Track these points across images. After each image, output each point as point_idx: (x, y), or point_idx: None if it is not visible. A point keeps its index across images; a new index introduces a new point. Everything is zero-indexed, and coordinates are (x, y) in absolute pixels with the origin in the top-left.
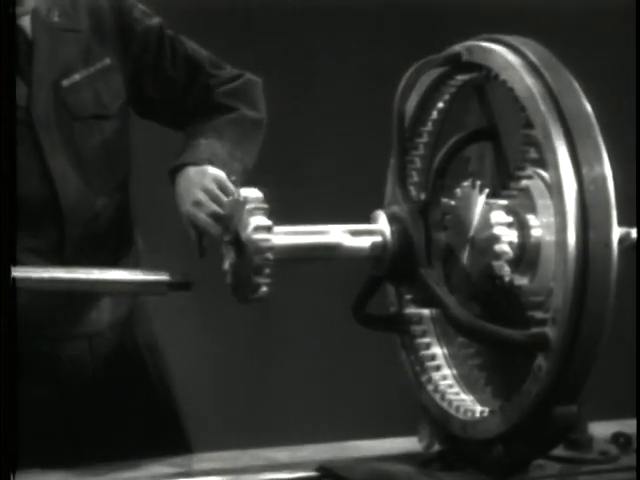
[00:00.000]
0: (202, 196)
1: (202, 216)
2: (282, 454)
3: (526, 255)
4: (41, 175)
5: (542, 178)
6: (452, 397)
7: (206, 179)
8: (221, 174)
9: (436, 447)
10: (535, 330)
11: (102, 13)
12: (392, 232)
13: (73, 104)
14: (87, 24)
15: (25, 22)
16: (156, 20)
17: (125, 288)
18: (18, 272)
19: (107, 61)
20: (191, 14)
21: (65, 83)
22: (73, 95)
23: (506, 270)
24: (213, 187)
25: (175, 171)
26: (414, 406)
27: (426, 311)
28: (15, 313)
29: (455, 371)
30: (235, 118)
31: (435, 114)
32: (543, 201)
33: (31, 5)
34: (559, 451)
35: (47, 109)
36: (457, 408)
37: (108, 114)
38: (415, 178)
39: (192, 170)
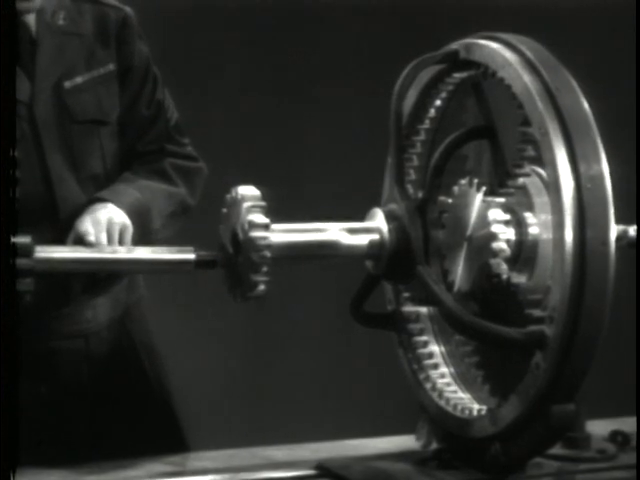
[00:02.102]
0: (100, 226)
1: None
2: (280, 452)
3: (523, 253)
4: (41, 174)
5: (539, 176)
6: (450, 395)
7: (117, 219)
8: (130, 228)
9: (434, 445)
10: (532, 328)
11: (107, 22)
12: (389, 230)
13: (73, 106)
14: (91, 30)
15: (30, 20)
16: (147, 50)
17: (151, 267)
18: (41, 252)
19: (111, 67)
20: (189, 10)
21: (67, 85)
22: (74, 97)
23: (503, 268)
24: (115, 230)
25: (98, 199)
26: (412, 404)
27: (423, 309)
28: (16, 315)
29: (453, 369)
30: (173, 193)
31: (432, 112)
32: (540, 199)
33: (38, 4)
34: (557, 449)
35: (48, 109)
36: (455, 406)
37: (107, 120)
38: (412, 176)
39: (112, 206)
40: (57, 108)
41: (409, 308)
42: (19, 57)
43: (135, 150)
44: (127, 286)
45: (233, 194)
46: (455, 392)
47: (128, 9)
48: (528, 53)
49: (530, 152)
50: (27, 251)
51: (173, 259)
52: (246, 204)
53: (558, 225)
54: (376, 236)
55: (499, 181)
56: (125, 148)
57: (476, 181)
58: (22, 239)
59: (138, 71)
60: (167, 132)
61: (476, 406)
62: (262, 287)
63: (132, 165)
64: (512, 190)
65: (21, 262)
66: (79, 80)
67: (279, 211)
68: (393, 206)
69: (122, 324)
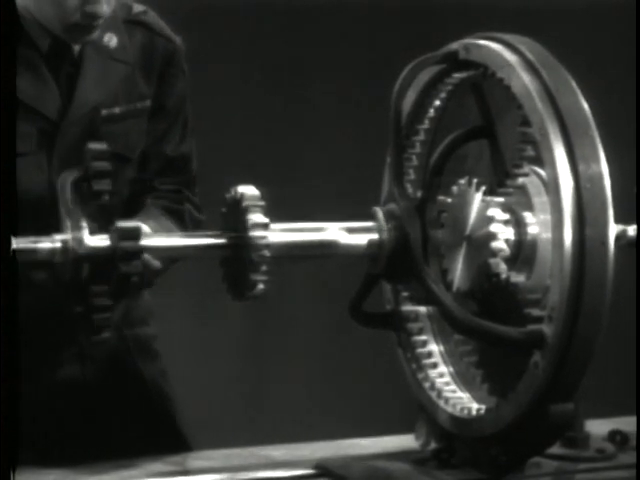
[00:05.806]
0: None
1: None
2: (279, 452)
3: (523, 252)
4: (45, 187)
5: (539, 176)
6: (449, 395)
7: None
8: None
9: (433, 445)
10: (531, 327)
11: (154, 54)
12: (389, 229)
13: (103, 136)
14: (137, 59)
15: None
16: (187, 89)
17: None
18: (146, 240)
19: (147, 103)
20: (189, 10)
21: (104, 112)
22: (106, 127)
23: (503, 267)
24: None
25: None
26: (411, 404)
27: (422, 309)
28: (17, 315)
29: (452, 369)
30: None
31: (432, 112)
32: (540, 199)
33: (93, 37)
34: (556, 449)
35: (75, 131)
36: (454, 406)
37: (130, 157)
38: (412, 175)
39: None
40: (86, 133)
41: (408, 307)
42: (57, 76)
43: (152, 185)
44: None
45: (233, 193)
46: (454, 391)
47: (178, 41)
48: (528, 53)
49: (529, 152)
50: (134, 235)
51: None
52: (245, 203)
53: (557, 224)
54: (375, 235)
55: (498, 181)
56: (140, 182)
57: (475, 181)
58: (130, 223)
59: (170, 112)
60: (187, 181)
61: (475, 405)
62: (261, 286)
63: (145, 194)
64: (511, 190)
65: (129, 244)
66: (117, 110)
67: (278, 210)
68: (392, 206)
69: (118, 329)
